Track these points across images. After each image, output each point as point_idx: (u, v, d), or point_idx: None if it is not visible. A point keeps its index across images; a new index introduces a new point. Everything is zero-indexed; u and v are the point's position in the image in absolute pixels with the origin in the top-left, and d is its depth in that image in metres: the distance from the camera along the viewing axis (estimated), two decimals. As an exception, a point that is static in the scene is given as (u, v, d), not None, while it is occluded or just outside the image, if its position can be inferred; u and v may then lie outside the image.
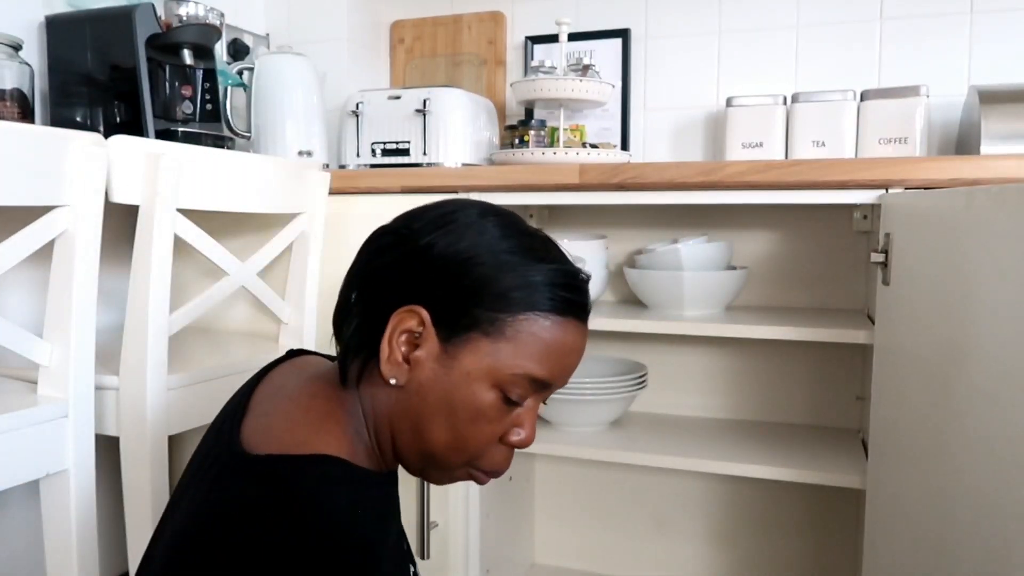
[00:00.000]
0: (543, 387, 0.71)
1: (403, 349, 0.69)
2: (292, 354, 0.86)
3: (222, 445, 0.69)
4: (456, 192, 1.41)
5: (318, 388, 0.75)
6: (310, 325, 1.40)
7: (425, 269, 0.69)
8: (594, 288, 1.57)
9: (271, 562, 0.58)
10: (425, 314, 0.68)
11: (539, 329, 0.68)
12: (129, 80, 1.33)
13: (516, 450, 0.74)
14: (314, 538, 0.59)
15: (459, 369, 0.68)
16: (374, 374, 0.71)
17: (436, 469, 0.73)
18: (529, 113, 1.82)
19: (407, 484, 1.46)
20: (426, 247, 0.69)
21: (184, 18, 1.42)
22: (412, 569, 0.77)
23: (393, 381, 0.70)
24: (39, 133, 0.97)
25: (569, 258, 0.74)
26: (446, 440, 0.70)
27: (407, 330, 0.69)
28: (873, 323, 1.23)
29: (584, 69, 1.55)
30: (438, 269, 0.69)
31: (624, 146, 1.76)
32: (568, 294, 0.70)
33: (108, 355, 1.10)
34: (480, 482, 0.75)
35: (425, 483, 1.43)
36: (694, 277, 1.42)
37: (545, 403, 0.76)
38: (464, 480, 0.75)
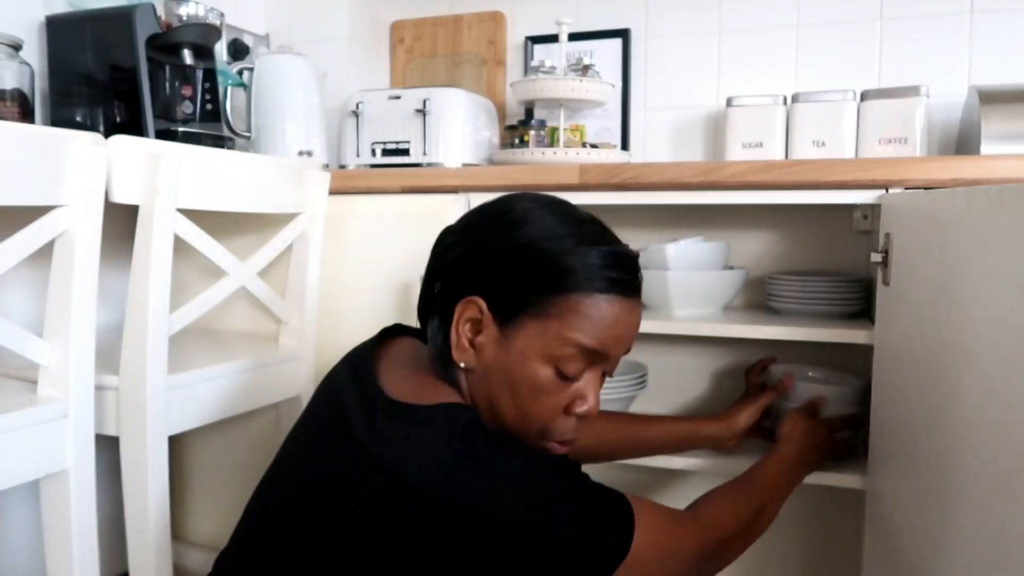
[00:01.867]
0: (595, 357, 0.78)
1: (468, 336, 0.78)
2: (389, 332, 0.92)
3: (368, 393, 0.77)
4: (456, 192, 1.41)
5: (426, 367, 0.84)
6: (310, 325, 1.40)
7: (480, 262, 0.78)
8: (594, 288, 1.57)
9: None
10: (482, 303, 0.77)
11: (581, 306, 0.76)
12: (129, 80, 1.33)
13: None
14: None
15: (515, 349, 0.76)
16: None
17: (521, 438, 0.80)
18: (529, 113, 1.82)
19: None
20: (481, 242, 0.79)
21: (184, 18, 1.42)
22: None
23: (463, 365, 0.79)
24: (39, 133, 0.97)
25: (613, 237, 0.82)
26: (513, 414, 0.78)
27: (470, 319, 0.78)
28: (873, 323, 1.23)
29: (584, 69, 1.55)
30: (490, 261, 0.78)
31: (624, 146, 1.76)
32: (607, 271, 0.77)
33: (108, 355, 1.10)
34: (555, 451, 0.81)
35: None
36: (680, 277, 1.42)
37: (610, 375, 0.84)
38: (543, 448, 0.81)
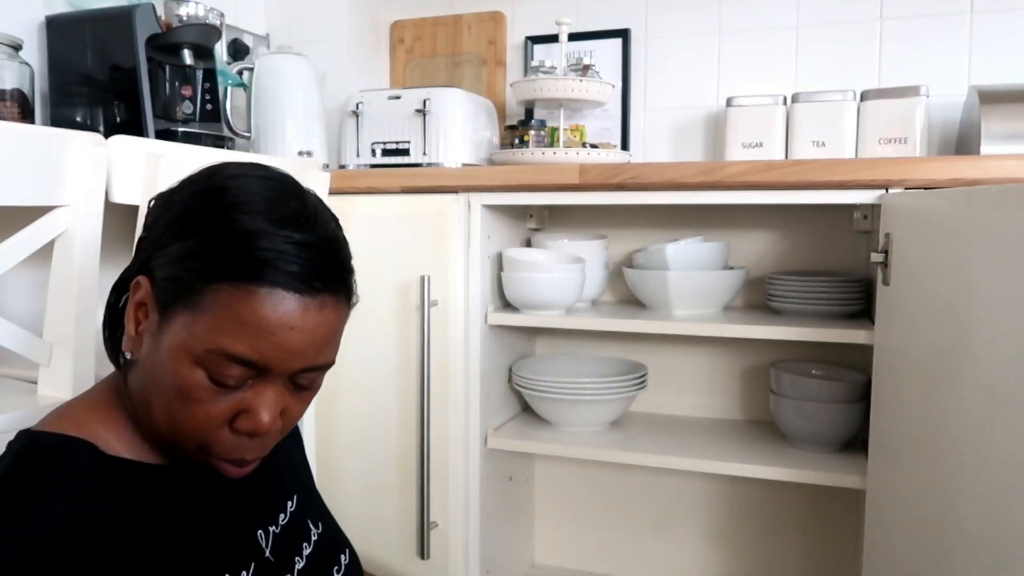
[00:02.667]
0: (255, 368, 0.62)
1: (134, 323, 0.65)
2: None
3: None
4: (456, 192, 1.41)
5: (109, 378, 0.72)
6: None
7: (154, 234, 0.66)
8: (593, 288, 1.57)
9: None
10: (147, 284, 0.64)
11: (234, 303, 0.60)
12: (129, 80, 1.33)
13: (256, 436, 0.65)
14: None
15: (164, 345, 0.62)
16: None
17: (182, 454, 0.66)
18: (529, 113, 1.82)
19: (408, 484, 1.46)
20: (163, 211, 0.67)
21: (184, 18, 1.42)
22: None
23: (128, 355, 0.66)
24: (39, 133, 0.97)
25: (313, 221, 0.64)
26: (166, 422, 0.64)
27: (138, 302, 0.65)
28: (873, 323, 1.23)
29: (584, 69, 1.55)
30: (161, 234, 0.65)
31: (624, 146, 1.76)
32: (283, 261, 0.60)
33: (108, 355, 1.10)
34: (226, 473, 0.66)
35: (425, 483, 1.43)
36: (680, 277, 1.42)
37: (301, 385, 0.66)
38: (216, 468, 0.66)
